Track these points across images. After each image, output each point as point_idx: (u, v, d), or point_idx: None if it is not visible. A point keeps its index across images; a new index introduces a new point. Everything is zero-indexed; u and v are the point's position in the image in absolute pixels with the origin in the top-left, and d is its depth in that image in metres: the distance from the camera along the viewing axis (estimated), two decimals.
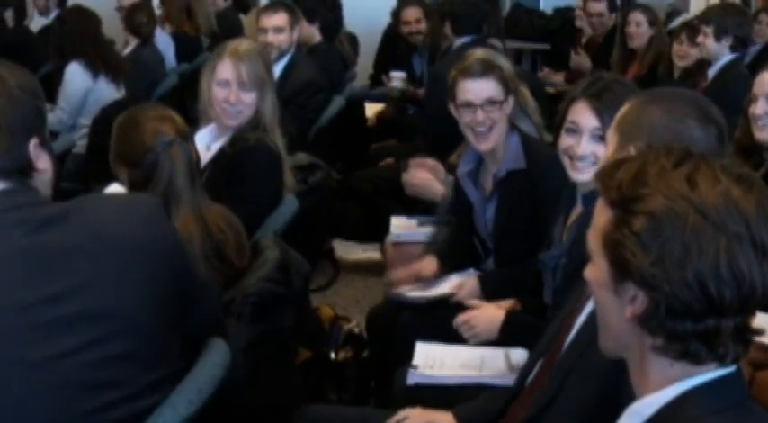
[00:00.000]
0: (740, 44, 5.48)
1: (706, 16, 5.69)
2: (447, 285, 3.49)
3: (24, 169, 1.94)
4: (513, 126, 3.53)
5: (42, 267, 1.86)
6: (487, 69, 3.44)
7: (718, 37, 5.45)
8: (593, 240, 1.47)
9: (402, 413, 2.51)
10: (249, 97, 3.52)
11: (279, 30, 5.44)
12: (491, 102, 3.42)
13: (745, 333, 1.42)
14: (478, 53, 3.57)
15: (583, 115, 2.74)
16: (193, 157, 2.82)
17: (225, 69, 3.54)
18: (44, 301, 1.85)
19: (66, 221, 1.90)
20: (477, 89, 3.43)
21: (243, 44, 3.64)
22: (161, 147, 2.71)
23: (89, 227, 1.92)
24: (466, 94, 3.44)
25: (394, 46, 7.68)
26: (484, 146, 3.46)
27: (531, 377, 2.37)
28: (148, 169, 2.71)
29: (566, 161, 2.79)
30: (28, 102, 1.95)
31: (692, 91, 2.75)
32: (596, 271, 1.48)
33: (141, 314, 1.92)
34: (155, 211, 2.06)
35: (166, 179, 2.71)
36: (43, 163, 1.98)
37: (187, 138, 2.82)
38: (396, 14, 7.52)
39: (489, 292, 3.31)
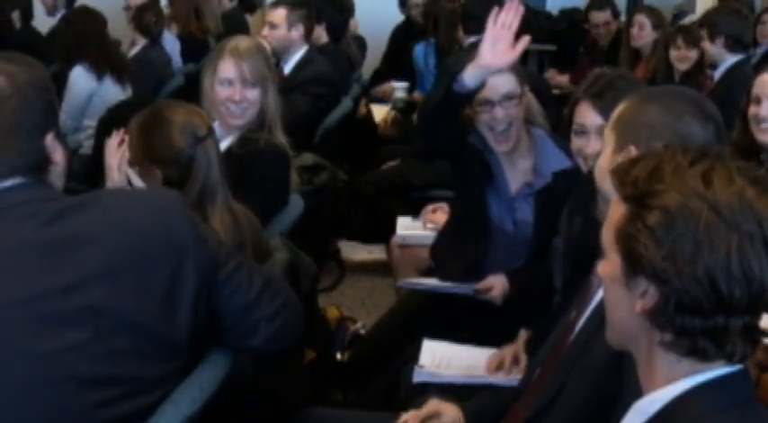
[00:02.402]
0: (735, 43, 5.47)
1: (702, 19, 5.72)
2: (468, 284, 3.40)
3: (42, 164, 1.96)
4: (531, 122, 3.48)
5: (52, 260, 1.87)
6: None
7: (711, 38, 5.47)
8: (607, 235, 1.49)
9: (405, 416, 2.51)
10: (253, 94, 3.51)
11: (273, 26, 5.48)
12: (509, 97, 3.28)
13: (754, 333, 1.43)
14: None
15: (587, 116, 2.75)
16: (219, 150, 2.77)
17: (227, 68, 3.52)
18: (52, 294, 1.85)
19: (79, 215, 1.91)
20: (494, 85, 3.25)
21: (242, 42, 3.63)
22: (196, 141, 2.64)
23: (103, 221, 1.92)
24: (483, 91, 3.26)
25: (403, 45, 7.71)
26: (504, 146, 3.35)
27: (533, 377, 2.38)
28: (186, 165, 2.63)
29: (581, 162, 2.80)
30: (40, 98, 1.98)
31: (688, 88, 2.75)
32: (608, 265, 1.49)
33: (149, 310, 1.92)
34: (173, 204, 2.04)
35: (204, 175, 2.64)
36: (59, 155, 2.01)
37: (213, 131, 2.75)
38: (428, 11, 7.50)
39: (520, 288, 3.25)
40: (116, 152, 2.67)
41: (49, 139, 1.98)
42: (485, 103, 3.29)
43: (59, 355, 1.85)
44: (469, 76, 3.09)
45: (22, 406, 1.84)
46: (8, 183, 1.91)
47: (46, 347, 1.84)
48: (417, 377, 2.88)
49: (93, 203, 1.95)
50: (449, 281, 3.47)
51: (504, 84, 3.28)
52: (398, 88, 7.15)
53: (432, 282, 3.52)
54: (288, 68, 5.47)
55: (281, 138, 3.55)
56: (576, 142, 2.80)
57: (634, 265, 1.43)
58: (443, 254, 3.63)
